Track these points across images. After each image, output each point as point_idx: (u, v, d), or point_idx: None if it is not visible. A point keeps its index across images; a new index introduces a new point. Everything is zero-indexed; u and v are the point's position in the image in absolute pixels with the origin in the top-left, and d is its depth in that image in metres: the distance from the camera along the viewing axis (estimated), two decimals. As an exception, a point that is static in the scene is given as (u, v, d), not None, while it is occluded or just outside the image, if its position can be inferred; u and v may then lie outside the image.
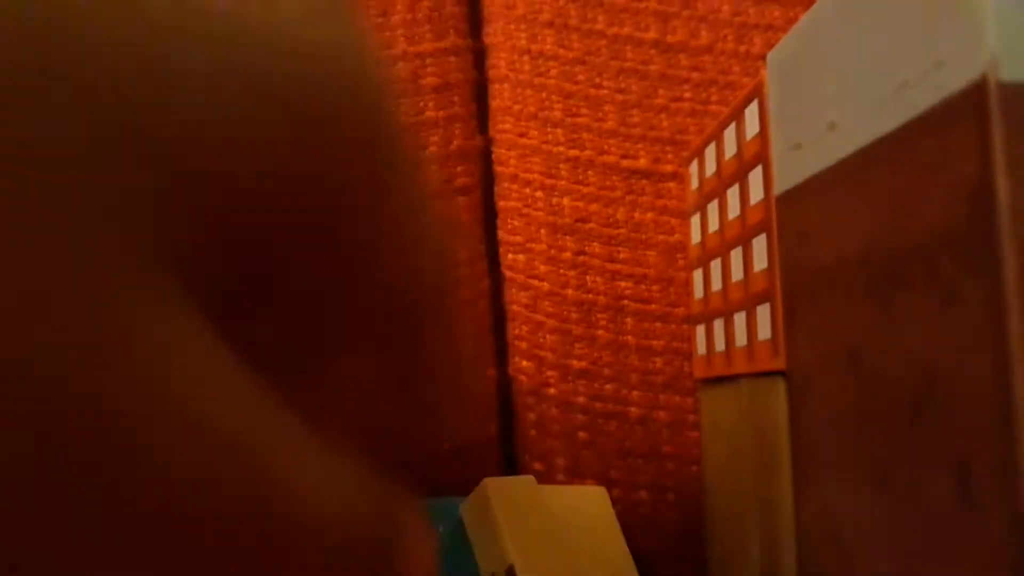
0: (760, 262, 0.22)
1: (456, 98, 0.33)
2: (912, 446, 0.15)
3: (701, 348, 0.28)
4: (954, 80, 0.13)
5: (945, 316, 0.14)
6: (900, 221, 0.15)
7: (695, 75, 0.32)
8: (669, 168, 0.31)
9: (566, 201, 0.31)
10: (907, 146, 0.15)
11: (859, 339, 0.17)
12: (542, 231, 0.31)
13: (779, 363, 0.21)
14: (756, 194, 0.23)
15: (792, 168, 0.20)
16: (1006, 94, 0.12)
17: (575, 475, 0.31)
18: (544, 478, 0.31)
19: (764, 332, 0.22)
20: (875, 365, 0.16)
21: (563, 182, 0.31)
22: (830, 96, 0.18)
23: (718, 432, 0.27)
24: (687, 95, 0.32)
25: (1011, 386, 0.12)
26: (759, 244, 0.23)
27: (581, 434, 0.31)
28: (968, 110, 0.13)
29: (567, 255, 0.31)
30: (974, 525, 0.13)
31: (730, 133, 0.25)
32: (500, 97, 0.33)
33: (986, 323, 0.13)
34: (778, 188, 0.21)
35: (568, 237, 0.31)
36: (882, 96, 0.16)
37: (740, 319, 0.24)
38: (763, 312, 0.22)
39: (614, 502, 0.30)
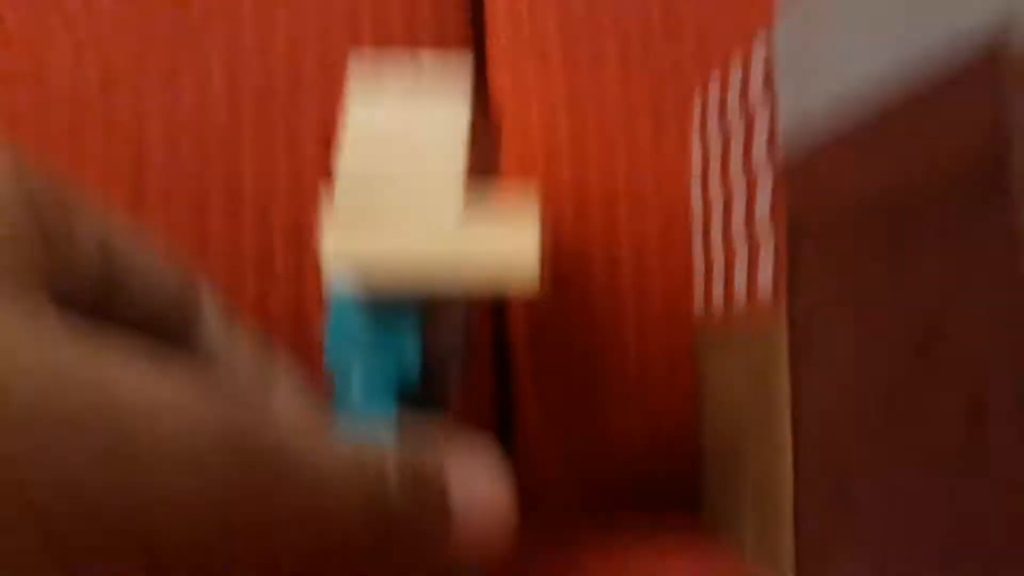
0: (763, 207, 0.23)
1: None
2: (920, 388, 0.15)
3: (699, 295, 0.29)
4: (968, 45, 0.14)
5: (958, 257, 0.14)
6: (913, 166, 0.16)
7: (693, 46, 0.32)
8: (671, 109, 0.32)
9: (564, 148, 0.31)
10: (925, 93, 0.15)
11: (864, 283, 0.18)
12: (538, 158, 0.31)
13: (780, 307, 0.22)
14: (761, 138, 0.23)
15: (800, 113, 0.21)
16: (1021, 57, 0.13)
17: (570, 413, 0.32)
18: (538, 416, 0.31)
19: (766, 277, 0.23)
20: (880, 308, 0.17)
21: (563, 120, 0.32)
22: (844, 45, 0.18)
23: (715, 375, 0.28)
24: (690, 36, 0.32)
25: None
26: (763, 189, 0.23)
27: (577, 374, 0.31)
28: (987, 64, 0.13)
29: (565, 192, 0.31)
30: (986, 467, 0.14)
31: (736, 76, 0.25)
32: (497, 61, 0.33)
33: (1000, 270, 0.13)
34: (784, 143, 0.22)
35: (566, 168, 0.31)
36: (900, 46, 0.16)
37: (741, 263, 0.25)
38: (765, 257, 0.23)
39: (609, 443, 0.31)
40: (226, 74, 0.31)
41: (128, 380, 0.12)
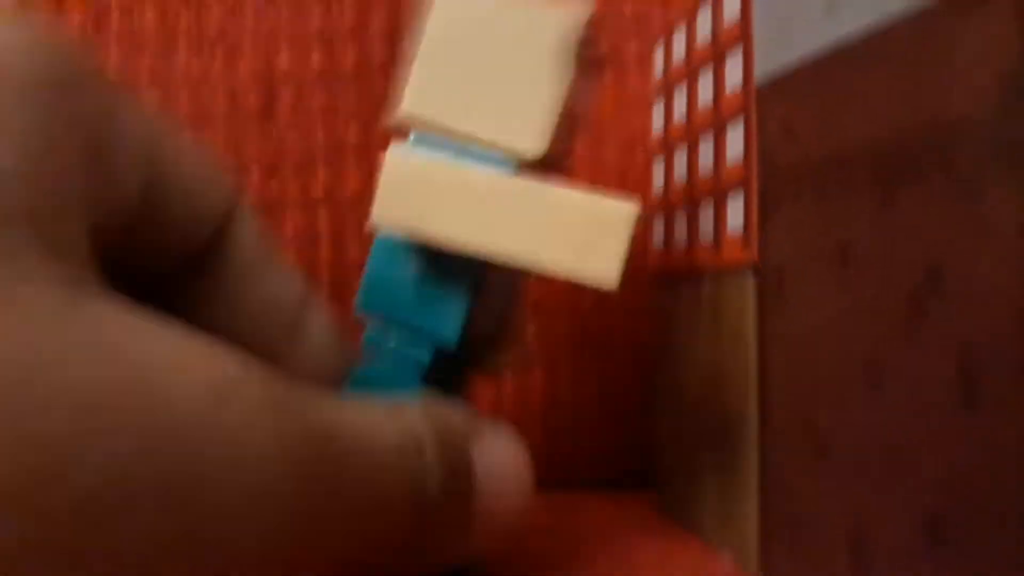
0: (734, 152, 0.22)
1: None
2: (912, 345, 0.14)
3: (658, 242, 0.28)
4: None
5: (959, 212, 0.13)
6: (912, 110, 0.14)
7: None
8: (631, 53, 0.30)
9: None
10: (930, 27, 0.14)
11: (852, 236, 0.16)
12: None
13: (750, 257, 0.21)
14: (734, 81, 0.22)
15: (778, 54, 0.19)
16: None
17: (522, 367, 0.30)
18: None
19: (735, 225, 0.22)
20: (869, 262, 0.16)
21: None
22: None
23: (674, 327, 0.27)
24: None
25: (1030, 284, 0.12)
26: (734, 133, 0.22)
27: (531, 326, 0.30)
28: (1010, -10, 0.12)
29: (521, 142, 0.29)
30: (978, 427, 0.13)
31: (705, 15, 0.24)
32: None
33: (1009, 220, 0.12)
34: (760, 75, 0.20)
35: (523, 122, 0.29)
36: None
37: (706, 212, 0.24)
38: (735, 204, 0.22)
39: (559, 395, 0.30)
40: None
41: (180, 362, 0.11)
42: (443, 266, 0.18)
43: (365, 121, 0.30)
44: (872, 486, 0.16)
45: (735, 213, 0.22)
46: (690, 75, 0.25)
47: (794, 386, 0.19)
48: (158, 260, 0.16)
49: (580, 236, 0.16)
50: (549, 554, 0.23)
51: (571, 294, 0.30)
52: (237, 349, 0.12)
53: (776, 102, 0.19)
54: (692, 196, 0.25)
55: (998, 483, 0.12)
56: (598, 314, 0.30)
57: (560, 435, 0.31)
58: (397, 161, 0.17)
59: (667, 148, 0.27)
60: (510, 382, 0.30)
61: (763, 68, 0.20)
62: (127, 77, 0.28)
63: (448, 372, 0.19)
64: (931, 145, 0.14)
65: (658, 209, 0.28)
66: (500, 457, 0.16)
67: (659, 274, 0.28)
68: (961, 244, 0.13)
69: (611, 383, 0.30)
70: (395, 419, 0.14)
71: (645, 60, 0.30)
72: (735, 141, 0.22)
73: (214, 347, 0.11)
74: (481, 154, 0.17)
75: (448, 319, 0.18)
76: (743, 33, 0.21)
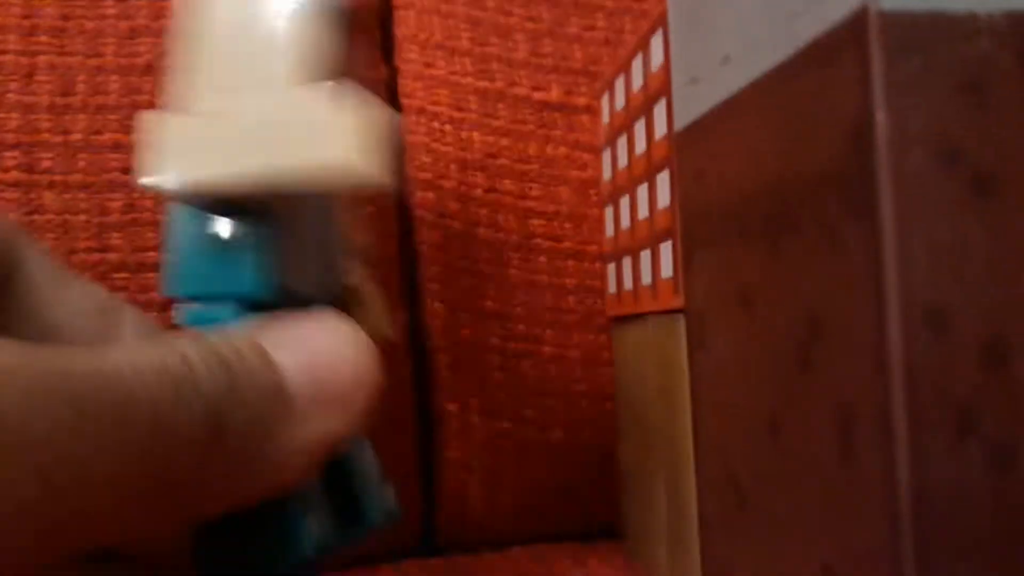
0: (664, 199, 0.22)
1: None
2: (801, 394, 0.14)
3: (612, 286, 0.28)
4: (837, 9, 0.12)
5: (830, 261, 0.13)
6: (789, 160, 0.14)
7: (608, 2, 0.31)
8: (582, 101, 0.30)
9: (476, 135, 0.30)
10: (794, 79, 0.14)
11: (751, 281, 0.16)
12: (451, 167, 0.30)
13: (679, 302, 0.21)
14: (660, 129, 0.22)
15: (691, 102, 0.19)
16: (886, 23, 0.12)
17: (490, 415, 0.30)
18: (459, 419, 0.30)
19: (667, 270, 0.22)
20: (766, 309, 0.16)
21: (472, 115, 0.30)
22: (726, 28, 0.17)
23: (628, 371, 0.27)
24: (600, 23, 0.31)
25: (886, 334, 0.12)
26: (663, 180, 0.22)
27: (495, 375, 0.30)
28: (849, 40, 0.12)
29: (478, 192, 0.30)
30: (854, 476, 0.13)
31: (637, 65, 0.24)
32: (405, 25, 0.31)
33: (866, 268, 0.12)
34: (678, 123, 0.20)
35: (479, 173, 0.30)
36: (773, 27, 0.15)
37: (646, 257, 0.24)
38: (666, 250, 0.22)
39: (528, 442, 0.30)
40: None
41: None
42: (233, 219, 0.17)
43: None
44: (780, 537, 0.15)
45: (667, 258, 0.22)
46: (628, 124, 0.25)
47: (717, 434, 0.19)
48: None
49: (323, 139, 0.15)
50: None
51: (531, 342, 0.30)
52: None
53: (690, 150, 0.20)
54: (634, 242, 0.25)
55: (874, 531, 0.12)
56: (559, 361, 0.30)
57: (531, 486, 0.30)
58: (156, 123, 0.16)
59: (614, 195, 0.27)
60: (480, 431, 0.30)
61: (681, 117, 0.20)
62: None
63: None
64: (803, 197, 0.14)
65: (611, 255, 0.28)
66: (318, 347, 0.15)
67: (614, 319, 0.28)
68: (833, 295, 0.13)
69: (577, 430, 0.30)
70: (162, 345, 0.14)
71: (594, 106, 0.30)
72: (663, 189, 0.22)
73: None
74: None
75: (250, 274, 0.17)
76: (665, 82, 0.21)
